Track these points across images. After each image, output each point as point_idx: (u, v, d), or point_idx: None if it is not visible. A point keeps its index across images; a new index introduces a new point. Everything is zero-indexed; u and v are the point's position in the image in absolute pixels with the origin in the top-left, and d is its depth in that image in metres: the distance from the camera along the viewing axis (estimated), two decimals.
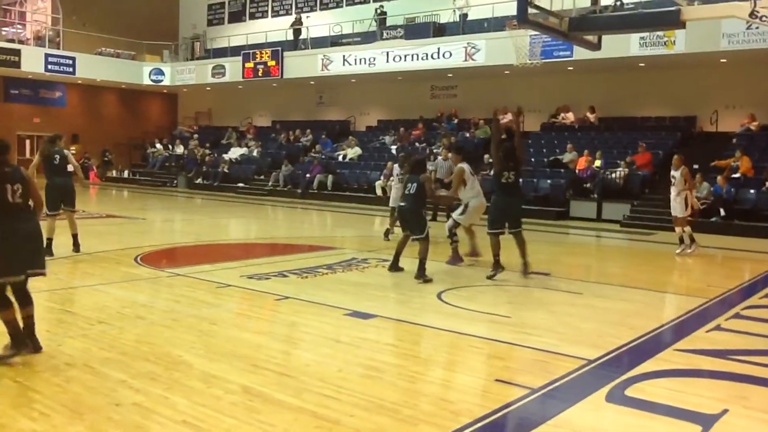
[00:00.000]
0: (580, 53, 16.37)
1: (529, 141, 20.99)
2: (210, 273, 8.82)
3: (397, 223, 10.24)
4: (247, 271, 8.96)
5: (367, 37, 24.43)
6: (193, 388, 4.52)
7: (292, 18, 27.92)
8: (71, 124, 28.31)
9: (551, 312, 7.09)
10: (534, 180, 18.51)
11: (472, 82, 23.42)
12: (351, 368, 5.06)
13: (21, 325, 5.17)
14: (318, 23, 26.95)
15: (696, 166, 15.46)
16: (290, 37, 26.64)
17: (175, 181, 27.31)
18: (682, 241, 11.94)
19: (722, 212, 15.11)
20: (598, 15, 11.11)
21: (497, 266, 8.78)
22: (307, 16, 27.52)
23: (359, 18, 25.59)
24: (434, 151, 20.21)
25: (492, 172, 9.60)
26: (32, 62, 26.20)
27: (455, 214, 9.88)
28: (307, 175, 23.03)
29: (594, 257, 13.04)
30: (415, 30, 22.95)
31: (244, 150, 27.48)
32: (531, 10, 10.35)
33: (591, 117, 20.99)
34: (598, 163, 18.21)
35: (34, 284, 5.35)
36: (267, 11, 30.35)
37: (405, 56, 22.32)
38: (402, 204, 8.97)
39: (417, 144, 22.31)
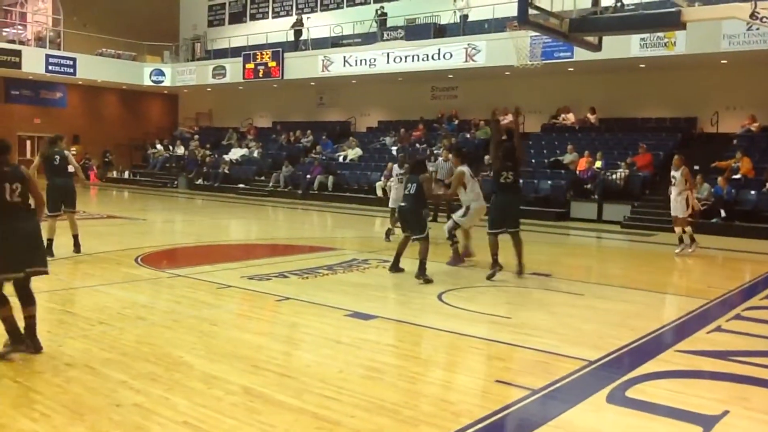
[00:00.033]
0: (581, 54, 16.36)
1: (529, 142, 21.00)
2: (210, 274, 8.82)
3: (398, 223, 10.24)
4: (248, 271, 8.96)
5: (367, 38, 24.45)
6: (193, 389, 4.52)
7: (292, 19, 27.93)
8: (72, 125, 28.34)
9: (552, 313, 7.09)
10: (534, 181, 18.51)
11: (472, 83, 23.42)
12: (352, 369, 5.06)
13: (23, 324, 5.18)
14: (318, 24, 26.97)
15: (696, 167, 15.46)
16: (291, 38, 26.64)
17: (176, 182, 27.32)
18: (681, 241, 11.97)
19: (723, 213, 15.10)
20: (598, 16, 11.12)
21: (495, 265, 8.80)
22: (308, 17, 27.52)
23: (360, 19, 25.61)
24: (435, 152, 20.23)
25: (491, 173, 9.59)
26: (33, 63, 26.22)
27: (456, 216, 9.88)
28: (308, 176, 23.03)
29: (594, 258, 13.03)
30: (415, 31, 22.96)
31: (244, 151, 27.49)
32: (531, 11, 10.35)
33: (591, 118, 20.99)
34: (598, 164, 18.20)
35: (34, 284, 5.35)
36: (267, 12, 30.37)
37: (405, 57, 22.32)
38: (402, 204, 8.99)
39: (417, 145, 22.31)
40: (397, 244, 9.39)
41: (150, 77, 29.75)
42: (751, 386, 4.94)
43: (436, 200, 12.10)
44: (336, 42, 25.73)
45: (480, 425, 4.05)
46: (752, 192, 15.49)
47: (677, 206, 11.87)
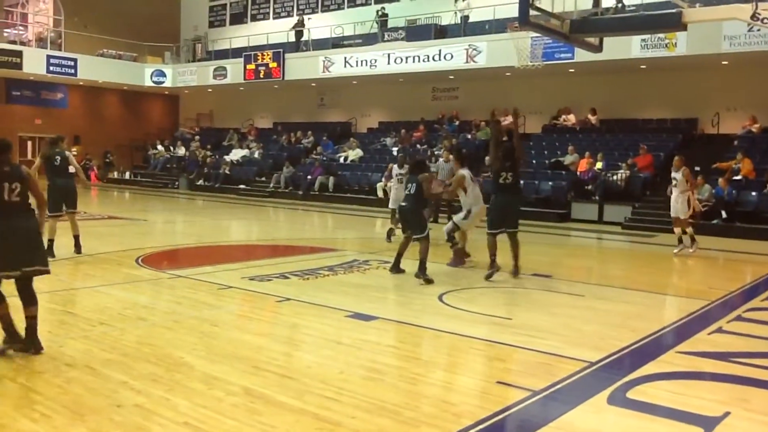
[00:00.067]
0: (582, 55, 16.37)
1: (530, 143, 21.00)
2: (211, 274, 8.82)
3: (399, 224, 10.25)
4: (249, 272, 8.97)
5: (368, 39, 24.45)
6: (194, 390, 4.52)
7: (293, 20, 27.94)
8: (73, 126, 28.36)
9: (552, 314, 7.09)
10: (535, 182, 18.50)
11: (473, 84, 23.42)
12: (352, 370, 5.05)
13: (24, 324, 5.19)
14: (319, 25, 26.98)
15: (697, 168, 15.46)
16: (292, 38, 26.66)
17: (177, 183, 27.33)
18: (680, 241, 11.99)
19: (723, 214, 15.10)
20: (599, 17, 11.14)
21: (493, 266, 8.82)
22: (309, 18, 27.53)
23: (361, 20, 25.61)
24: (435, 152, 20.23)
25: (491, 173, 9.60)
26: (34, 64, 26.23)
27: (457, 218, 9.88)
28: (309, 177, 23.04)
29: (595, 259, 13.03)
30: (416, 32, 22.96)
31: (245, 152, 27.49)
32: (532, 12, 10.36)
33: (592, 119, 20.98)
34: (599, 165, 18.20)
35: (34, 285, 5.35)
36: (268, 13, 30.37)
37: (406, 58, 22.33)
38: (403, 204, 9.01)
39: (418, 146, 22.31)
40: (398, 244, 9.39)
41: (151, 78, 29.76)
42: (751, 387, 4.94)
43: (435, 198, 12.05)
44: (337, 43, 25.74)
45: (481, 426, 4.05)
46: (753, 193, 15.48)
47: (679, 207, 11.88)
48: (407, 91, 25.19)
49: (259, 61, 26.18)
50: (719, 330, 6.61)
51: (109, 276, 8.63)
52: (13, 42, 27.94)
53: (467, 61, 21.02)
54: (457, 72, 22.08)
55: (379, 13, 24.92)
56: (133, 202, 22.67)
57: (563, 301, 7.88)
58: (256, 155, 26.95)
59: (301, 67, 25.35)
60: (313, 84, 26.78)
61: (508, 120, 17.06)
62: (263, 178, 25.19)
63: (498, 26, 20.56)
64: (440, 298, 7.66)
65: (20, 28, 29.99)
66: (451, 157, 13.86)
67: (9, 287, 5.28)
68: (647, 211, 16.46)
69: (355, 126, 27.58)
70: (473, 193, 9.65)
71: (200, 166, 27.18)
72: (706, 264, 11.59)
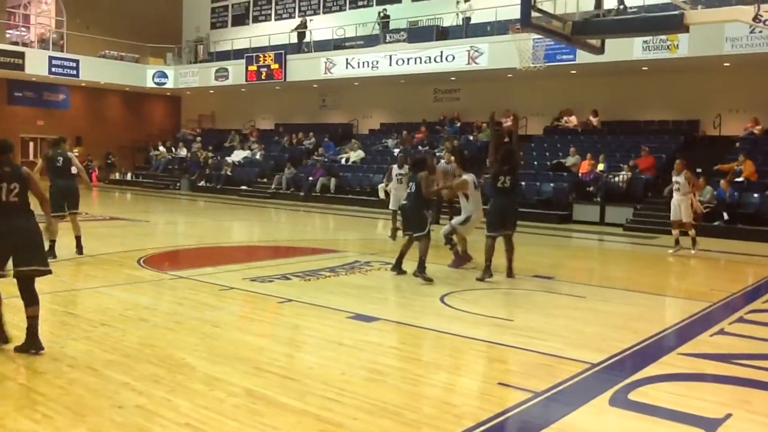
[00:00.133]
0: (583, 57, 16.38)
1: (531, 144, 21.02)
2: (213, 276, 8.82)
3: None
4: (250, 273, 8.97)
5: (370, 41, 24.47)
6: (195, 391, 4.52)
7: (295, 21, 27.97)
8: (75, 127, 28.38)
9: (554, 315, 7.08)
10: (537, 183, 18.50)
11: (475, 86, 23.43)
12: (354, 371, 5.05)
13: (26, 324, 5.20)
14: (321, 26, 27.00)
15: (699, 170, 15.45)
16: (293, 40, 26.68)
17: (178, 184, 27.35)
18: (677, 242, 12.09)
19: (725, 216, 15.08)
20: (601, 19, 11.12)
21: (488, 270, 8.84)
22: (311, 20, 27.54)
23: (362, 21, 25.63)
24: (437, 154, 20.21)
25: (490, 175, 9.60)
26: (36, 65, 26.26)
27: (455, 222, 9.87)
28: (310, 178, 23.05)
29: (597, 261, 13.02)
30: (418, 33, 22.98)
31: (247, 153, 27.51)
32: (534, 14, 10.35)
33: (594, 120, 20.98)
34: (601, 166, 18.20)
35: (36, 286, 5.35)
36: (270, 14, 30.39)
37: (408, 59, 22.35)
38: (404, 202, 9.03)
39: (420, 147, 22.31)
40: (400, 244, 9.39)
41: (153, 79, 29.78)
42: (753, 389, 4.94)
43: (438, 198, 12.03)
44: (338, 44, 25.76)
45: (482, 428, 4.05)
46: (755, 195, 15.46)
47: (682, 210, 11.92)
48: (409, 92, 25.20)
49: (261, 63, 26.21)
50: (721, 332, 6.61)
51: (111, 277, 8.63)
52: (16, 43, 27.98)
53: (469, 63, 21.03)
54: (459, 73, 22.08)
55: (381, 14, 24.95)
56: (134, 203, 22.70)
57: (564, 302, 7.88)
58: (257, 156, 26.96)
59: (302, 68, 25.37)
60: (315, 85, 26.79)
61: (509, 121, 17.08)
62: (265, 180, 25.20)
63: (500, 28, 20.55)
64: (441, 299, 7.65)
65: (22, 29, 30.03)
66: (452, 158, 13.86)
67: (11, 287, 5.29)
68: (649, 213, 16.44)
69: (356, 127, 27.60)
70: (474, 198, 9.62)
71: (202, 167, 27.20)
72: (708, 266, 11.58)
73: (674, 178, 12.14)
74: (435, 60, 21.77)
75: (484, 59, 20.68)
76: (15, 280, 5.26)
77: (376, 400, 4.42)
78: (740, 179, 15.87)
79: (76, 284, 8.37)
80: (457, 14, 22.68)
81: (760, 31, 14.77)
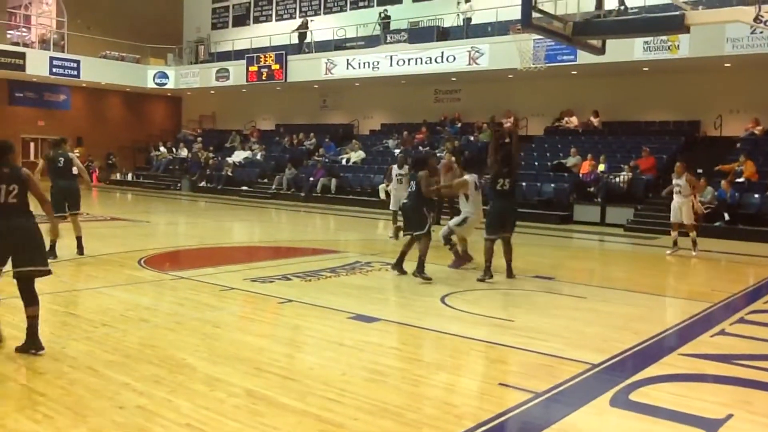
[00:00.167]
0: (584, 57, 16.38)
1: (532, 145, 21.02)
2: (213, 276, 8.82)
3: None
4: (251, 274, 8.97)
5: (371, 41, 24.47)
6: (196, 391, 4.52)
7: (296, 22, 27.98)
8: (75, 127, 28.38)
9: (554, 316, 7.08)
10: (538, 184, 18.50)
11: (475, 86, 23.42)
12: (354, 372, 5.05)
13: (26, 324, 5.21)
14: (322, 27, 27.00)
15: (700, 171, 15.46)
16: (294, 40, 26.69)
17: (179, 185, 27.35)
18: (675, 243, 12.13)
19: (726, 217, 15.08)
20: (602, 19, 11.13)
21: (488, 272, 8.84)
22: (311, 20, 27.55)
23: (363, 22, 25.64)
24: (438, 154, 20.21)
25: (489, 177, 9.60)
26: (37, 65, 26.27)
27: (452, 223, 9.87)
28: (311, 179, 23.05)
29: (598, 261, 13.02)
30: (418, 34, 22.98)
31: (247, 153, 27.52)
32: (535, 14, 10.36)
33: (595, 121, 20.98)
34: (601, 167, 18.20)
35: (36, 286, 5.36)
36: (271, 15, 30.40)
37: (409, 60, 22.35)
38: (404, 201, 9.04)
39: (420, 148, 22.31)
40: (402, 243, 9.39)
41: (153, 80, 29.79)
42: (754, 390, 4.94)
43: (436, 194, 11.95)
44: (339, 45, 25.76)
45: (483, 428, 4.05)
46: (756, 195, 15.46)
47: (684, 212, 11.94)
48: (409, 93, 25.20)
49: (262, 63, 26.21)
50: (722, 332, 6.60)
51: (112, 277, 8.63)
52: (17, 44, 27.97)
53: (470, 63, 21.03)
54: (460, 74, 22.07)
55: (382, 15, 24.96)
56: (135, 203, 22.70)
57: (565, 303, 7.88)
58: (258, 157, 26.97)
59: (303, 68, 25.37)
60: (316, 86, 26.80)
61: (510, 121, 17.08)
62: (265, 180, 25.20)
63: (500, 28, 20.55)
64: (442, 299, 7.66)
65: (23, 29, 30.04)
66: (452, 159, 13.86)
67: (11, 287, 5.29)
68: (649, 214, 16.44)
69: (357, 128, 27.60)
70: (474, 199, 9.61)
71: (202, 167, 27.20)
72: (709, 266, 11.58)
73: (675, 181, 12.16)
74: (436, 60, 21.77)
75: (485, 60, 20.68)
76: (15, 281, 5.27)
77: (377, 401, 4.42)
78: (741, 180, 15.87)
79: (77, 285, 8.38)
80: (458, 15, 22.68)
81: (761, 32, 14.76)
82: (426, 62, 21.98)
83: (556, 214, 17.59)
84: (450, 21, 23.19)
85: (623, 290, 8.87)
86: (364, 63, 23.54)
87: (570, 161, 19.02)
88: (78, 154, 13.62)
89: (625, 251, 14.11)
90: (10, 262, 5.25)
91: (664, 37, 16.73)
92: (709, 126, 19.35)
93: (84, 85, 29.13)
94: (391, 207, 13.25)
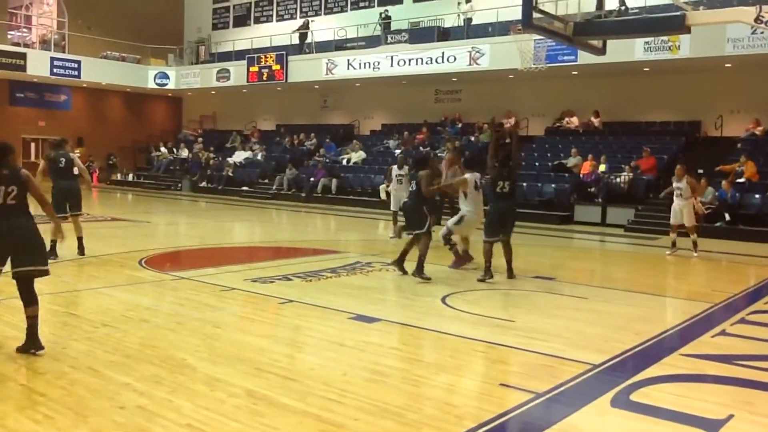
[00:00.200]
0: (585, 58, 16.37)
1: (533, 145, 21.00)
2: (214, 276, 8.82)
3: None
4: (251, 274, 8.97)
5: (371, 42, 24.47)
6: (197, 392, 4.52)
7: (296, 22, 27.98)
8: (76, 128, 28.37)
9: (555, 316, 7.08)
10: (538, 184, 18.49)
11: (476, 87, 23.42)
12: (355, 372, 5.05)
13: (25, 324, 5.21)
14: (322, 27, 27.00)
15: (701, 171, 15.45)
16: (295, 41, 26.69)
17: (180, 185, 27.36)
18: (674, 244, 12.15)
19: (727, 217, 15.08)
20: (602, 20, 11.13)
21: (488, 272, 8.84)
22: (312, 21, 27.56)
23: (364, 22, 25.63)
24: (438, 155, 20.22)
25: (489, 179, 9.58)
26: (38, 66, 26.27)
27: (449, 223, 9.87)
28: (311, 179, 23.06)
29: (598, 262, 13.02)
30: (419, 34, 22.98)
31: (248, 153, 27.52)
32: (536, 15, 10.36)
33: (595, 121, 20.97)
34: (602, 167, 18.19)
35: (37, 287, 5.36)
36: (272, 15, 30.40)
37: (409, 60, 22.35)
38: (405, 200, 9.05)
39: (421, 148, 22.31)
40: (404, 242, 9.40)
41: (154, 80, 29.79)
42: (755, 390, 4.93)
43: (436, 193, 11.95)
44: (340, 45, 25.77)
45: (483, 429, 4.04)
46: (756, 196, 15.46)
47: (685, 214, 11.94)
48: (410, 93, 25.20)
49: (263, 64, 26.21)
50: (723, 333, 6.60)
51: (112, 278, 8.63)
52: (17, 44, 27.97)
53: (470, 64, 21.02)
54: (460, 74, 22.06)
55: (382, 15, 24.96)
56: (136, 203, 22.71)
57: (566, 303, 7.87)
58: (259, 157, 26.97)
59: (304, 69, 25.37)
60: (316, 86, 26.79)
61: (511, 122, 17.08)
62: (266, 180, 25.21)
63: (501, 29, 20.55)
64: (443, 300, 7.66)
65: (24, 30, 30.05)
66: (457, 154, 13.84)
67: (11, 287, 5.29)
68: (650, 214, 16.43)
69: (357, 128, 27.60)
70: (473, 199, 9.57)
71: (203, 168, 27.21)
72: (710, 267, 11.58)
73: (675, 184, 12.16)
74: (436, 61, 21.77)
75: (486, 60, 20.67)
76: (14, 281, 5.27)
77: (378, 401, 4.42)
78: (741, 180, 15.86)
79: (78, 285, 8.38)
80: (459, 15, 22.69)
81: (762, 32, 14.76)
82: (426, 62, 21.98)
83: (556, 214, 17.58)
84: (450, 21, 23.19)
85: (624, 291, 8.87)
86: (364, 63, 23.54)
87: (571, 161, 19.02)
88: (79, 155, 13.61)
89: (626, 252, 14.11)
90: (9, 263, 5.25)
91: (665, 38, 16.72)
92: (710, 126, 19.35)
93: (85, 85, 29.13)
94: (391, 207, 13.25)
